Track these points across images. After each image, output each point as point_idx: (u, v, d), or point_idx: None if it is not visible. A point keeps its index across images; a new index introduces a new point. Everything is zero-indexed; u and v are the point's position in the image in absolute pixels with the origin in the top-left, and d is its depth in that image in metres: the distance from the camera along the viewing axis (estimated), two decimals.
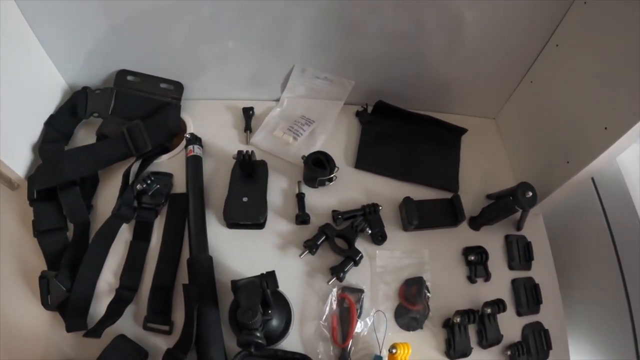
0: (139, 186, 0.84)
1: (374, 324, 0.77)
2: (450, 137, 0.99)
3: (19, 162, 0.84)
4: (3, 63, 0.77)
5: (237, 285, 0.69)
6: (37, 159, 0.87)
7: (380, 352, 0.75)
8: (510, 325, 0.81)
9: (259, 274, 0.71)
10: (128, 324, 0.75)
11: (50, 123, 0.89)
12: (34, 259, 0.79)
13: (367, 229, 0.83)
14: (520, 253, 0.87)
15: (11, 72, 0.79)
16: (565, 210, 0.95)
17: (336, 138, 0.96)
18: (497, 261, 0.87)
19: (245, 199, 0.83)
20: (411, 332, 0.79)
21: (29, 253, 0.80)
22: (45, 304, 0.75)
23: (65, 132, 0.92)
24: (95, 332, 0.71)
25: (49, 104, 0.91)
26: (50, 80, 0.92)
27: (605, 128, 0.70)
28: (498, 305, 0.79)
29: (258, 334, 0.66)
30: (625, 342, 0.82)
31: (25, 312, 0.75)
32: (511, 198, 0.80)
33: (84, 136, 0.93)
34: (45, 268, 0.78)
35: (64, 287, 0.75)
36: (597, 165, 0.75)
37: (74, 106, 0.92)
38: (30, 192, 0.82)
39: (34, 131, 0.87)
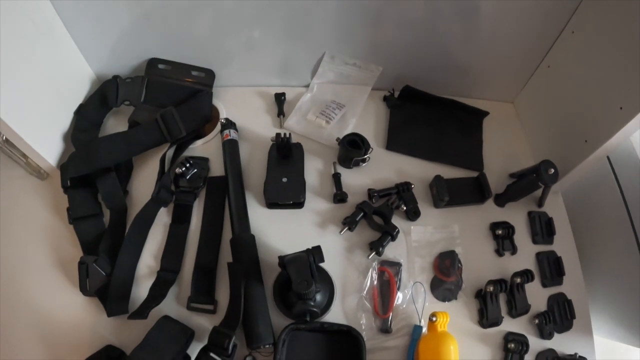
0: (177, 170, 0.86)
1: (412, 295, 0.81)
2: (472, 119, 1.03)
3: (51, 151, 0.85)
4: (35, 53, 0.79)
5: (286, 260, 0.72)
6: (67, 149, 0.88)
7: (420, 321, 0.79)
8: (537, 296, 0.86)
9: (303, 250, 0.74)
10: (171, 306, 0.77)
11: (80, 112, 0.90)
12: (67, 247, 0.80)
13: (402, 205, 0.86)
14: (542, 228, 0.92)
15: (41, 62, 0.81)
16: (583, 188, 0.99)
17: (365, 121, 1.00)
18: (521, 235, 0.91)
19: (284, 180, 0.86)
20: (446, 302, 0.82)
21: (61, 241, 0.81)
22: (84, 289, 0.76)
23: (96, 120, 0.93)
24: (141, 313, 0.72)
25: (78, 93, 0.93)
26: (79, 70, 0.93)
27: (621, 108, 0.74)
28: (527, 275, 0.84)
29: (312, 304, 0.69)
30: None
31: (61, 300, 0.77)
32: (534, 175, 0.84)
33: (114, 124, 0.95)
34: (79, 255, 0.79)
35: (104, 272, 0.77)
36: (613, 144, 0.79)
37: (104, 95, 0.93)
38: (64, 180, 0.83)
39: (64, 120, 0.89)
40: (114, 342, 0.73)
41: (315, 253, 0.74)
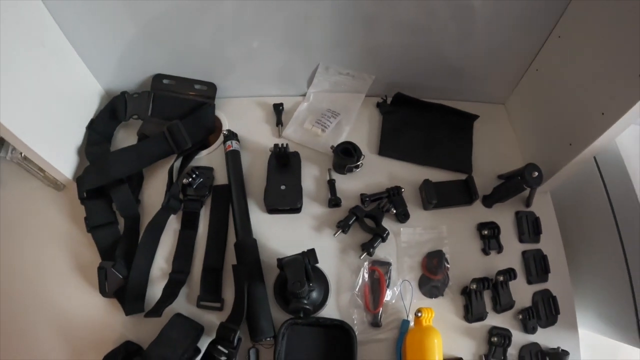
0: (185, 180, 0.92)
1: (401, 292, 0.87)
2: (463, 123, 1.06)
3: (66, 165, 0.91)
4: (46, 74, 0.84)
5: (283, 262, 0.79)
6: (81, 161, 0.94)
7: (407, 316, 0.85)
8: (522, 293, 0.89)
9: (300, 252, 0.81)
10: (182, 304, 0.84)
11: (91, 126, 0.96)
12: (86, 253, 0.87)
13: (392, 209, 0.92)
14: (529, 227, 0.95)
15: (52, 81, 0.86)
16: (571, 188, 1.02)
17: (359, 128, 1.04)
18: (508, 235, 0.95)
19: (282, 187, 0.92)
20: (433, 299, 0.88)
21: (80, 248, 0.87)
22: (103, 291, 0.82)
23: (106, 134, 0.99)
24: (156, 312, 0.79)
25: (88, 108, 0.99)
26: (88, 86, 0.99)
27: (603, 113, 0.76)
28: (509, 273, 0.87)
29: (305, 302, 0.76)
30: (625, 308, 0.89)
31: (83, 302, 0.83)
32: (519, 178, 0.88)
33: (123, 137, 1.01)
34: (97, 261, 0.85)
35: (121, 275, 0.83)
36: (597, 147, 0.80)
37: (114, 110, 0.99)
38: (80, 192, 0.89)
39: (77, 135, 0.95)
40: (132, 339, 0.80)
41: (310, 255, 0.80)
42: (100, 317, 0.83)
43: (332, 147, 0.95)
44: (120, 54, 0.95)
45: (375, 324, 0.84)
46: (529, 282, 0.92)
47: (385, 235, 0.89)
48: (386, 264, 0.89)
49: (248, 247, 0.88)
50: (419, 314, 0.81)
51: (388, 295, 0.86)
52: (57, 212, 0.91)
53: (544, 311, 0.89)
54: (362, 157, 0.95)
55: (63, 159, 0.91)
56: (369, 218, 0.92)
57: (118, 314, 0.82)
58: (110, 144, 0.99)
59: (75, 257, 0.87)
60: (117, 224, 0.90)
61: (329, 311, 0.86)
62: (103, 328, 0.82)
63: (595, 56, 0.80)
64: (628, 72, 0.70)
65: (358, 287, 0.86)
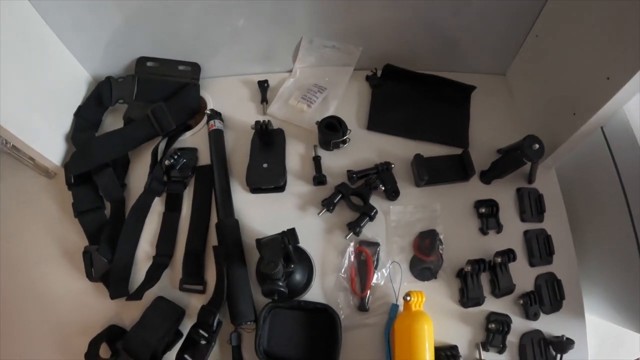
0: (167, 162, 0.90)
1: (390, 274, 0.82)
2: (459, 95, 1.01)
3: (55, 152, 0.91)
4: (28, 63, 0.84)
5: (261, 243, 0.76)
6: (70, 148, 0.94)
7: (397, 300, 0.80)
8: (523, 276, 0.84)
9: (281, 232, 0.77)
10: (166, 287, 0.83)
11: (79, 113, 0.96)
12: (74, 238, 0.87)
13: (381, 186, 0.87)
14: (532, 205, 0.89)
15: (37, 70, 0.86)
16: (577, 162, 0.95)
17: (348, 102, 1.00)
18: (508, 213, 0.89)
19: (265, 165, 0.89)
20: (426, 282, 0.83)
21: (69, 234, 0.88)
22: (90, 275, 0.83)
23: (94, 120, 0.98)
24: (136, 295, 0.79)
25: (76, 95, 0.98)
26: (74, 73, 0.98)
27: (608, 78, 0.71)
28: (508, 254, 0.82)
29: (280, 284, 0.72)
30: (636, 293, 0.83)
31: (71, 286, 0.84)
32: (519, 151, 0.82)
33: (112, 122, 1.00)
34: (86, 245, 0.85)
35: (106, 259, 0.83)
36: (603, 116, 0.75)
37: (100, 95, 0.98)
38: (68, 177, 0.89)
39: (65, 122, 0.95)
40: (117, 322, 0.80)
41: (290, 235, 0.76)
42: (87, 301, 0.83)
43: (317, 122, 0.91)
44: (104, 39, 0.94)
45: (362, 308, 0.80)
46: (532, 264, 0.86)
47: (373, 213, 0.84)
48: (374, 245, 0.84)
49: (229, 227, 0.85)
50: (408, 298, 0.76)
51: (376, 278, 0.82)
52: (49, 200, 0.91)
53: (548, 296, 0.84)
54: (348, 131, 0.91)
55: (52, 146, 0.91)
56: (355, 196, 0.88)
57: (105, 297, 0.82)
58: (98, 130, 0.99)
59: (66, 243, 0.87)
60: (103, 208, 0.90)
61: (314, 294, 0.82)
62: (90, 312, 0.82)
63: (598, 17, 0.75)
64: (634, 32, 0.65)
65: (344, 268, 0.82)
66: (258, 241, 0.76)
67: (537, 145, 0.81)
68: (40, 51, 0.87)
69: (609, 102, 0.72)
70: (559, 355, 0.79)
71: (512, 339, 0.80)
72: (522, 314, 0.82)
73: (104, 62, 0.99)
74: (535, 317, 0.81)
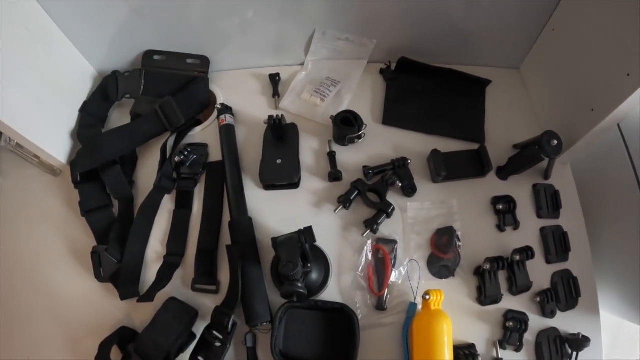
0: (177, 158, 0.88)
1: (407, 273, 0.81)
2: (474, 89, 0.99)
3: (60, 150, 0.90)
4: (32, 59, 0.81)
5: (277, 242, 0.74)
6: (76, 145, 0.92)
7: (415, 299, 0.79)
8: (540, 273, 0.84)
9: (297, 230, 0.75)
10: (177, 288, 0.82)
11: (84, 109, 0.94)
12: (82, 237, 0.85)
13: (397, 182, 0.85)
14: (548, 201, 0.89)
15: (41, 66, 0.84)
16: (593, 159, 0.95)
17: (362, 96, 0.98)
18: (525, 210, 0.88)
19: (279, 161, 0.86)
20: (443, 280, 0.82)
21: (76, 233, 0.86)
22: (99, 276, 0.81)
23: (100, 115, 0.96)
24: (148, 296, 0.77)
25: (81, 91, 0.96)
26: (79, 69, 0.96)
27: (628, 74, 0.70)
28: (527, 252, 0.81)
29: (299, 285, 0.71)
30: None
31: (79, 286, 0.82)
32: (537, 147, 0.81)
33: (118, 117, 0.98)
34: (93, 244, 0.84)
35: (115, 259, 0.81)
36: (621, 112, 0.74)
37: (106, 90, 0.96)
38: (74, 175, 0.87)
39: (70, 119, 0.92)
40: (128, 323, 0.79)
41: (307, 234, 0.74)
42: (97, 302, 0.81)
43: (331, 117, 0.89)
44: (110, 32, 0.92)
45: (380, 307, 0.79)
46: (548, 261, 0.85)
47: (390, 210, 0.83)
48: (392, 242, 0.83)
49: (242, 226, 0.84)
50: (427, 297, 0.75)
51: (394, 276, 0.81)
52: (54, 198, 0.89)
53: (564, 293, 0.83)
54: (364, 126, 0.89)
55: (57, 143, 0.89)
56: (372, 192, 0.86)
57: (114, 298, 0.80)
58: (104, 125, 0.97)
59: (73, 242, 0.86)
60: (111, 206, 0.89)
61: (330, 293, 0.81)
62: (99, 313, 0.80)
63: (618, 11, 0.73)
64: None
65: (361, 267, 0.81)
66: (274, 240, 0.75)
67: (555, 142, 0.80)
68: (44, 46, 0.85)
69: (629, 99, 0.70)
70: (574, 353, 0.79)
71: (529, 336, 0.80)
72: (539, 311, 0.82)
73: (110, 56, 0.96)
74: (552, 314, 0.81)
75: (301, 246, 0.73)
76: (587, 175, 0.94)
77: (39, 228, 0.87)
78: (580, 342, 0.78)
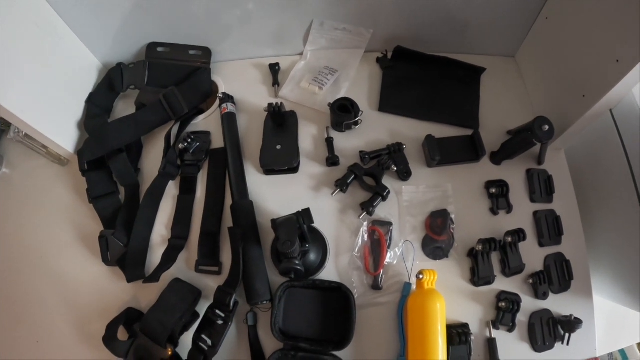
0: (180, 145, 0.91)
1: (402, 254, 0.83)
2: (469, 76, 1.01)
3: (67, 140, 0.92)
4: (38, 52, 0.84)
5: (277, 223, 0.76)
6: (82, 135, 0.94)
7: (410, 279, 0.82)
8: (533, 256, 0.85)
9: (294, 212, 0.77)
10: (182, 269, 0.84)
11: (90, 100, 0.96)
12: (90, 224, 0.88)
13: (393, 166, 0.87)
14: (541, 186, 0.90)
15: (47, 59, 0.87)
16: (587, 145, 0.96)
17: (359, 84, 1.00)
18: (519, 194, 0.90)
19: (278, 147, 0.89)
20: (437, 261, 0.84)
21: (84, 219, 0.89)
22: (106, 260, 0.84)
23: (106, 106, 0.99)
24: (153, 277, 0.80)
25: (87, 83, 0.99)
26: (85, 61, 0.99)
27: (617, 61, 0.71)
28: (518, 234, 0.83)
29: (297, 262, 0.73)
30: None
31: (87, 270, 0.85)
32: (529, 132, 0.82)
33: (123, 108, 1.00)
34: (101, 230, 0.86)
35: (122, 243, 0.84)
36: (612, 98, 0.75)
37: (111, 82, 0.99)
38: (81, 164, 0.90)
39: (77, 110, 0.95)
40: (134, 305, 0.81)
41: (305, 215, 0.77)
42: (104, 286, 0.84)
43: (329, 104, 0.91)
44: (114, 25, 0.94)
45: (376, 286, 0.81)
46: (541, 244, 0.87)
47: (385, 193, 0.85)
48: (387, 224, 0.85)
49: (244, 209, 0.86)
50: (421, 276, 0.78)
51: (389, 257, 0.83)
52: (62, 187, 0.92)
53: (557, 276, 0.85)
54: (360, 113, 0.91)
55: (64, 134, 0.92)
56: (368, 176, 0.88)
57: (121, 281, 0.83)
58: (110, 116, 0.99)
59: (81, 229, 0.88)
60: (118, 193, 0.91)
61: (328, 273, 0.83)
62: (107, 296, 0.83)
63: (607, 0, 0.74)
64: None
65: (357, 248, 0.83)
66: (274, 221, 0.77)
67: (546, 127, 0.81)
68: (49, 39, 0.87)
69: (618, 84, 0.72)
70: (567, 335, 0.80)
71: (522, 317, 0.81)
72: (532, 293, 0.83)
73: (114, 48, 0.99)
74: (544, 296, 0.83)
75: (299, 227, 0.75)
76: (581, 161, 0.95)
77: (48, 216, 0.89)
78: (572, 323, 0.79)
